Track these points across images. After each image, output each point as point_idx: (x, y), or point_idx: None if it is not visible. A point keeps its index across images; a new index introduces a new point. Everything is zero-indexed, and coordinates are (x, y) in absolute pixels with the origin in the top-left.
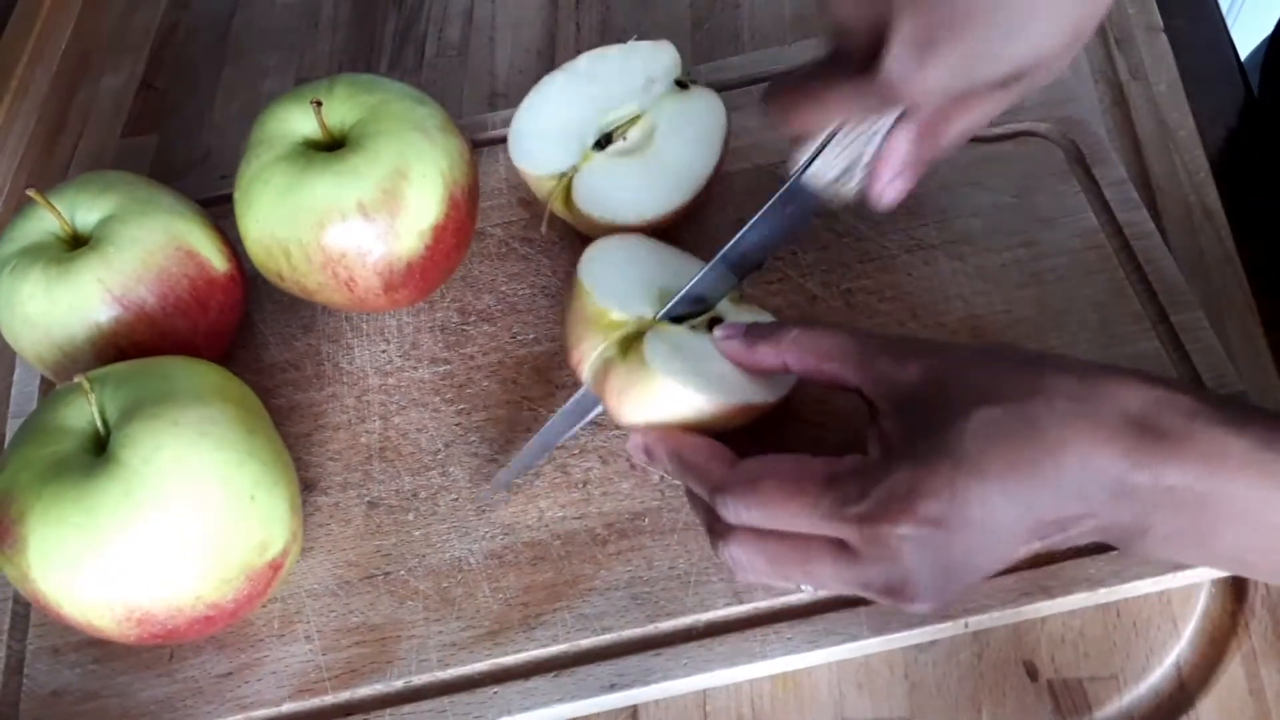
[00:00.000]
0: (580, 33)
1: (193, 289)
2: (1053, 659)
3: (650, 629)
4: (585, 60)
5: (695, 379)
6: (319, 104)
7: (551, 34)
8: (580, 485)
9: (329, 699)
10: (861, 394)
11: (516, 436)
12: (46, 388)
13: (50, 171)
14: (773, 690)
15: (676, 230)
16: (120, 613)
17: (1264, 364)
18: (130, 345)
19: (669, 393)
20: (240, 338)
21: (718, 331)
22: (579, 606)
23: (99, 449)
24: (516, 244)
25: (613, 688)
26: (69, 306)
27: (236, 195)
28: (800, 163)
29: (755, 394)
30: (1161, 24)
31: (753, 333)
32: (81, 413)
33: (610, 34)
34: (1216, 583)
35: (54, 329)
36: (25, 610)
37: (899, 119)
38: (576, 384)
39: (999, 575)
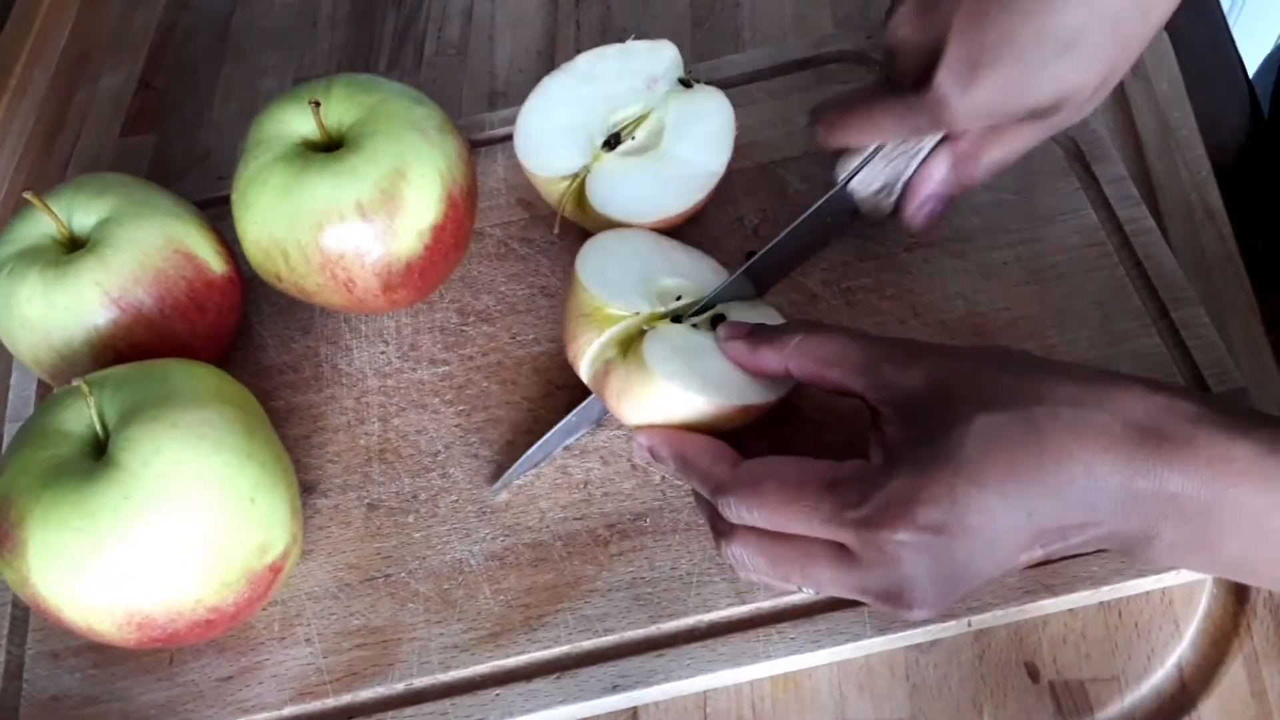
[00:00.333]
0: (580, 32)
1: (190, 291)
2: (1054, 660)
3: (653, 630)
4: (584, 60)
5: (694, 380)
6: (317, 104)
7: (551, 33)
8: (581, 486)
9: (330, 702)
10: (864, 399)
11: (516, 437)
12: (44, 391)
13: (48, 171)
14: (773, 692)
15: (677, 230)
16: (120, 616)
17: (1265, 363)
18: (128, 348)
19: (668, 394)
20: (238, 340)
21: (721, 331)
22: (581, 608)
23: (98, 452)
24: (515, 244)
25: (615, 689)
26: (67, 309)
27: (234, 196)
28: (847, 171)
29: (756, 394)
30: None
31: (755, 336)
32: (80, 416)
33: (610, 33)
34: (1218, 583)
35: (52, 332)
36: (24, 615)
37: (938, 145)
38: (576, 383)
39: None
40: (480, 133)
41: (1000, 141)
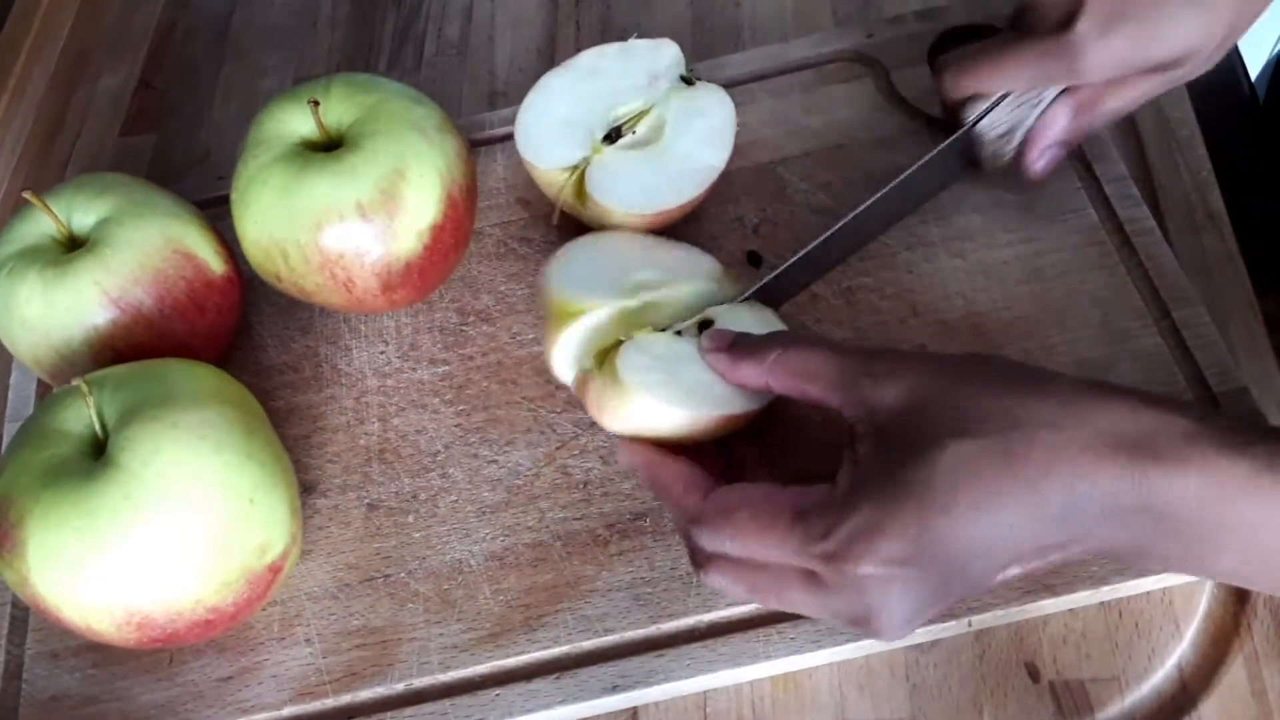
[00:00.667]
0: (580, 31)
1: (190, 291)
2: (1054, 660)
3: (653, 630)
4: (586, 57)
5: (670, 392)
6: (316, 104)
7: (551, 33)
8: (581, 486)
9: (330, 702)
10: (841, 415)
11: (516, 437)
12: (44, 391)
13: (48, 171)
14: (773, 692)
15: (676, 228)
16: (120, 616)
17: (1267, 366)
18: (128, 348)
19: (643, 406)
20: (238, 340)
21: (703, 340)
22: (581, 608)
23: (97, 452)
24: (515, 244)
25: (615, 689)
26: (66, 309)
27: (234, 196)
28: (975, 113)
29: (736, 405)
30: None
31: (737, 348)
32: (80, 416)
33: (610, 32)
34: (1219, 583)
35: (51, 332)
36: (24, 615)
37: (1058, 96)
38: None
39: None
40: (480, 132)
41: (1120, 93)
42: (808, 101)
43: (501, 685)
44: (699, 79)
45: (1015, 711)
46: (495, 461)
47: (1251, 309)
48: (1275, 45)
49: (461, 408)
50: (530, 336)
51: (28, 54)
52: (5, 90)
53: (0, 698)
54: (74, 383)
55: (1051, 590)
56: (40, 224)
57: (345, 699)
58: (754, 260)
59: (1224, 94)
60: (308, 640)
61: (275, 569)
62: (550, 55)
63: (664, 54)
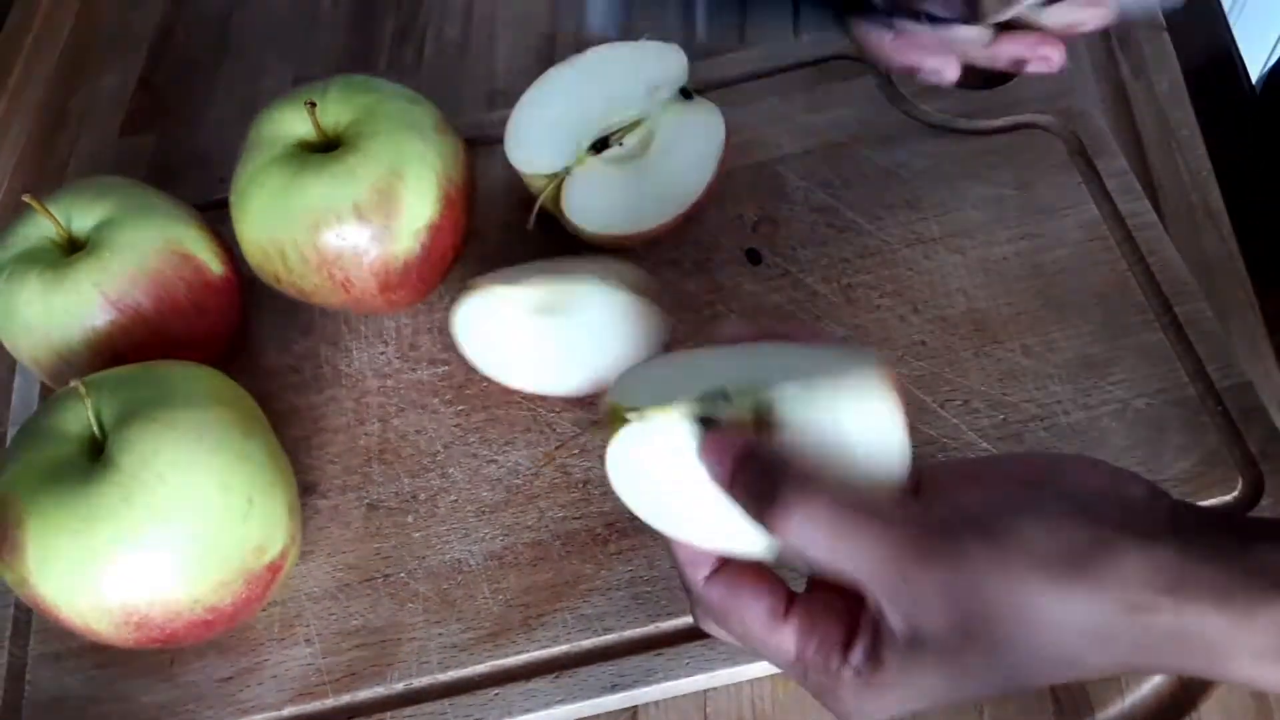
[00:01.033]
0: (580, 31)
1: (189, 292)
2: None
3: (652, 629)
4: (593, 55)
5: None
6: (313, 105)
7: (551, 33)
8: (580, 485)
9: (329, 702)
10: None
11: (516, 437)
12: (46, 393)
13: (48, 171)
14: (773, 691)
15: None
16: (118, 617)
17: (1268, 366)
18: (127, 349)
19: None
20: (238, 341)
21: (703, 442)
22: (580, 607)
23: (96, 454)
24: (515, 244)
25: (614, 688)
26: (66, 311)
27: (233, 198)
28: None
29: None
30: (1164, 22)
31: (740, 480)
32: (78, 417)
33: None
34: None
35: (51, 334)
36: (27, 617)
37: None
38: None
39: None
40: (479, 132)
41: None
42: (808, 99)
43: (500, 685)
44: (698, 94)
45: (1015, 711)
46: (495, 461)
47: (1251, 308)
48: (1275, 45)
49: (461, 408)
50: None
51: (28, 54)
52: (5, 90)
53: (4, 699)
54: (73, 385)
55: None
56: (40, 227)
57: (345, 699)
58: (753, 258)
59: (1224, 94)
60: (308, 640)
61: (274, 569)
62: (550, 56)
63: (670, 61)
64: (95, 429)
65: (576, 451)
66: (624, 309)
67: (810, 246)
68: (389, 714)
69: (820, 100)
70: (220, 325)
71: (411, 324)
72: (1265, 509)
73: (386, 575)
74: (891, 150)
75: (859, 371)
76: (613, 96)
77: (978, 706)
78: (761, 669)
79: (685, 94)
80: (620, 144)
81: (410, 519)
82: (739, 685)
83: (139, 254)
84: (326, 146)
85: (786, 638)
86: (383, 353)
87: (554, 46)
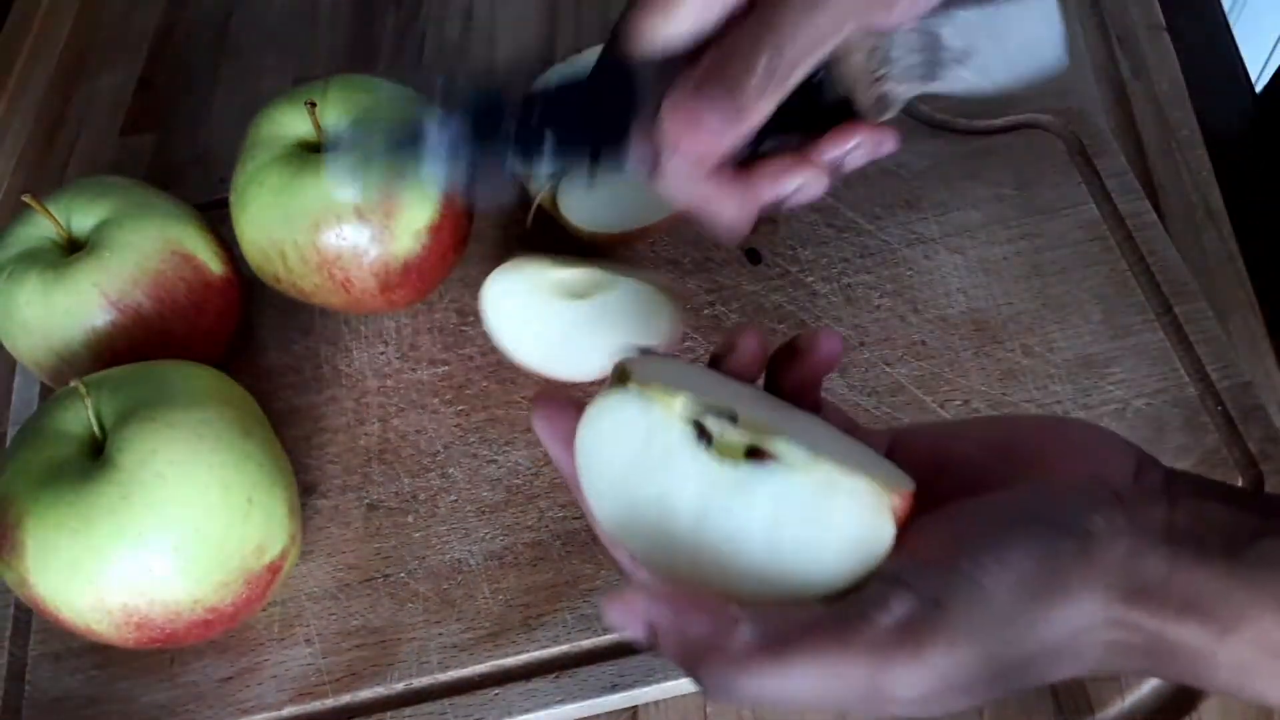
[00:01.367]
0: (580, 31)
1: (189, 292)
2: None
3: None
4: (593, 55)
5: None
6: (313, 105)
7: (551, 33)
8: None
9: (329, 702)
10: None
11: (516, 437)
12: (46, 393)
13: (48, 170)
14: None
15: (674, 232)
16: (118, 617)
17: (1268, 366)
18: (127, 349)
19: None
20: (238, 341)
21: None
22: (580, 607)
23: (96, 453)
24: (515, 244)
25: (614, 688)
26: (66, 311)
27: (233, 198)
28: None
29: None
30: (1164, 23)
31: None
32: (78, 417)
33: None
34: None
35: (51, 334)
36: (27, 617)
37: None
38: (576, 384)
39: None
40: None
41: None
42: None
43: (500, 684)
44: None
45: (1015, 711)
46: (495, 461)
47: (1251, 308)
48: (1275, 45)
49: (461, 408)
50: None
51: (28, 54)
52: (5, 90)
53: (4, 699)
54: (73, 384)
55: None
56: (40, 227)
57: (345, 699)
58: (753, 258)
59: (1224, 94)
60: (308, 640)
61: (274, 569)
62: (550, 55)
63: None
64: (95, 429)
65: None
66: (648, 300)
67: (810, 246)
68: (389, 714)
69: None
70: (220, 325)
71: (411, 324)
72: None
73: (386, 575)
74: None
75: (870, 488)
76: None
77: (978, 707)
78: None
79: None
80: None
81: (410, 519)
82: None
83: (139, 254)
84: (327, 146)
85: None
86: (383, 353)
87: (554, 47)
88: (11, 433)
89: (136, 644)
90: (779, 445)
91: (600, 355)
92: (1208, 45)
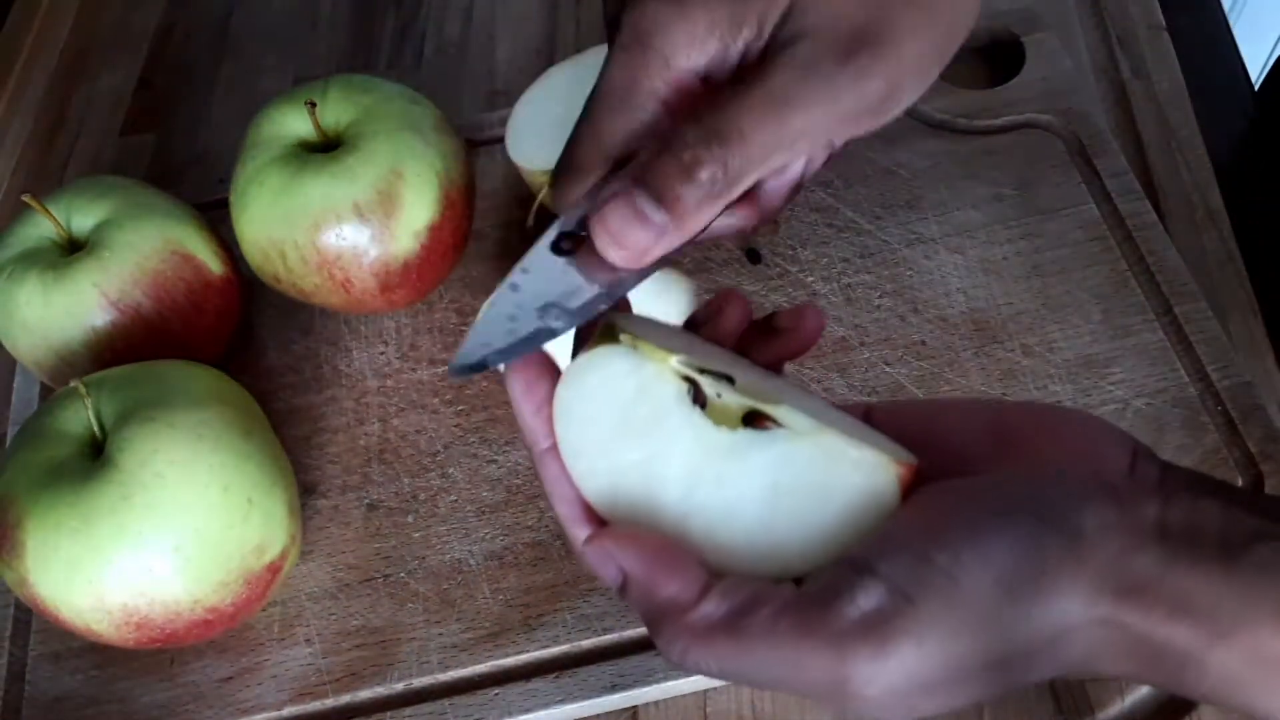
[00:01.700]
0: (580, 30)
1: (189, 292)
2: None
3: None
4: (593, 55)
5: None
6: (313, 105)
7: (551, 32)
8: None
9: (329, 702)
10: None
11: (516, 437)
12: (46, 393)
13: (48, 170)
14: (774, 691)
15: None
16: (118, 617)
17: (1268, 367)
18: (127, 349)
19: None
20: (238, 341)
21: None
22: (580, 607)
23: (96, 453)
24: (515, 244)
25: (614, 688)
26: (65, 311)
27: (232, 198)
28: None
29: None
30: (1163, 22)
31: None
32: (78, 417)
33: None
34: None
35: (51, 334)
36: (27, 617)
37: None
38: None
39: None
40: (480, 132)
41: None
42: None
43: (501, 684)
44: None
45: (1015, 711)
46: (495, 461)
47: (1251, 308)
48: (1275, 45)
49: (461, 408)
50: None
51: (28, 54)
52: (5, 90)
53: (4, 699)
54: (73, 384)
55: None
56: (40, 227)
57: (345, 699)
58: (753, 258)
59: (1224, 94)
60: (308, 640)
61: (274, 569)
62: (550, 55)
63: None
64: (95, 428)
65: None
66: (662, 278)
67: (810, 246)
68: (389, 714)
69: None
70: (220, 325)
71: (412, 324)
72: None
73: (386, 575)
74: (891, 150)
75: (879, 459)
76: None
77: (977, 705)
78: None
79: None
80: None
81: (410, 519)
82: (739, 686)
83: (139, 254)
84: (326, 146)
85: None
86: (383, 353)
87: (554, 46)
88: (11, 433)
89: (136, 644)
90: (781, 411)
91: None
92: (1208, 45)
